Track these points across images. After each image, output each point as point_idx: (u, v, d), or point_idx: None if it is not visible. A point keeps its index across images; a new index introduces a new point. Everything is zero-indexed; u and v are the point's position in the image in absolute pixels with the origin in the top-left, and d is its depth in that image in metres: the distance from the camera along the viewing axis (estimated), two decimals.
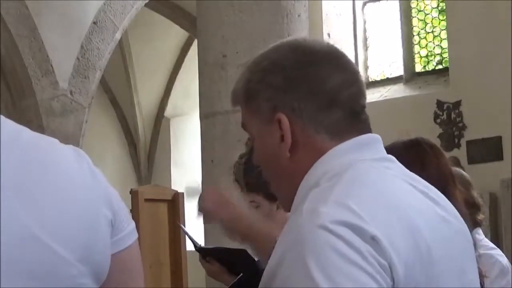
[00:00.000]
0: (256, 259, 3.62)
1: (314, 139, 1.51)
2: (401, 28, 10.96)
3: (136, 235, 1.32)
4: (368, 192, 1.42)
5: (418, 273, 1.38)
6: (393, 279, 1.34)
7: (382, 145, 1.56)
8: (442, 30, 10.64)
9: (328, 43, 1.61)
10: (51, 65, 9.18)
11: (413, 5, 11.00)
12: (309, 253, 1.32)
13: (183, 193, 9.64)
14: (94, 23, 9.52)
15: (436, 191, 1.56)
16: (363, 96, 1.57)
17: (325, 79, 1.52)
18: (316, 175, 1.50)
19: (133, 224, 1.32)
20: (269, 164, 1.59)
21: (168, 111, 14.40)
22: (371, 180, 1.45)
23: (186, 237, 4.28)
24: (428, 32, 10.88)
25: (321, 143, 1.51)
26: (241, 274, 3.46)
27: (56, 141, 1.27)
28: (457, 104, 9.62)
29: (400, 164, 1.56)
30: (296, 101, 1.52)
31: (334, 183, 1.44)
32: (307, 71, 1.53)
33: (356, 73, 1.57)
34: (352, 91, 1.54)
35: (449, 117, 9.64)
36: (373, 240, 1.33)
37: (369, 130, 1.56)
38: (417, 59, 10.81)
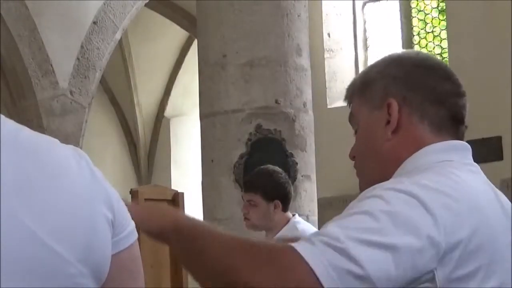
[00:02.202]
0: None
1: (416, 127, 1.67)
2: (401, 28, 10.96)
3: (136, 235, 1.31)
4: (444, 180, 1.55)
5: (481, 256, 1.49)
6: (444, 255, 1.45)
7: (471, 155, 1.72)
8: (442, 30, 10.65)
9: (443, 62, 1.81)
10: (51, 65, 9.18)
11: (413, 5, 11.01)
12: (376, 194, 1.49)
13: (183, 193, 9.64)
14: (94, 23, 9.51)
15: (509, 205, 1.67)
16: (465, 111, 1.75)
17: (438, 82, 1.70)
18: (408, 167, 1.64)
19: (133, 224, 1.32)
20: (368, 148, 1.72)
21: (168, 111, 14.40)
22: (450, 172, 1.59)
23: None
24: (428, 32, 10.89)
25: (422, 133, 1.67)
26: None
27: (55, 140, 1.26)
28: None
29: (483, 174, 1.70)
30: (408, 91, 1.69)
31: (419, 174, 1.58)
32: (425, 72, 1.71)
33: (464, 92, 1.75)
34: (458, 102, 1.73)
35: None
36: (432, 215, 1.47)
37: (462, 138, 1.73)
38: None
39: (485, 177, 1.68)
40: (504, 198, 1.67)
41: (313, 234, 1.45)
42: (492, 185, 1.68)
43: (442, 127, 1.68)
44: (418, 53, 1.82)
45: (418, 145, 1.66)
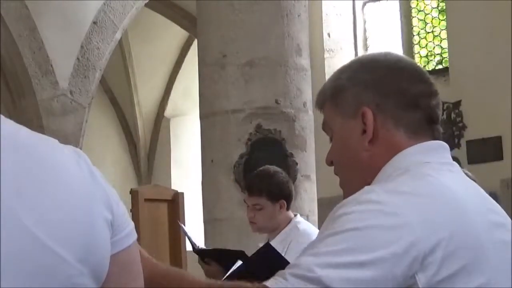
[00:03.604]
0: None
1: (392, 133, 1.65)
2: (401, 28, 10.96)
3: (135, 236, 1.31)
4: (419, 183, 1.55)
5: (464, 254, 1.48)
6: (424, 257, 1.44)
7: (449, 154, 1.69)
8: (442, 30, 10.65)
9: (413, 61, 1.80)
10: (51, 65, 9.18)
11: (413, 5, 11.01)
12: (346, 211, 1.47)
13: (183, 193, 9.64)
14: (94, 23, 9.51)
15: (492, 199, 1.67)
16: (439, 109, 1.71)
17: (410, 85, 1.67)
18: (387, 172, 1.63)
19: (132, 224, 1.31)
20: (346, 158, 1.70)
21: (168, 111, 14.40)
22: (427, 174, 1.58)
23: (186, 237, 4.28)
24: (428, 32, 10.89)
25: (399, 139, 1.65)
26: (239, 262, 3.44)
27: (55, 140, 1.26)
28: (457, 104, 9.62)
29: (461, 170, 1.68)
30: (381, 98, 1.66)
31: (396, 178, 1.58)
32: (396, 75, 1.68)
33: (436, 90, 1.71)
34: (432, 102, 1.68)
35: (449, 117, 9.64)
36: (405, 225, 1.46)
37: (439, 137, 1.70)
38: (417, 59, 10.80)
39: (465, 176, 1.67)
40: (488, 197, 1.65)
41: (288, 267, 1.45)
42: (473, 183, 1.66)
43: (418, 130, 1.66)
44: (386, 54, 1.75)
45: (395, 151, 1.64)
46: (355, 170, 1.68)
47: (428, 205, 1.49)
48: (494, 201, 1.66)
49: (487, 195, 1.66)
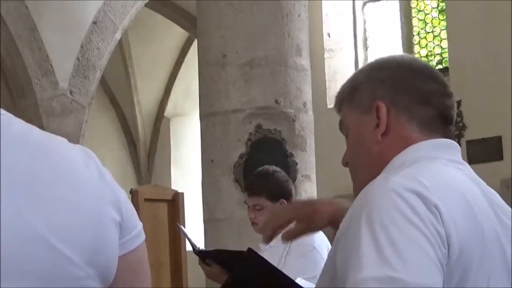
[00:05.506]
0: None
1: (405, 127, 1.68)
2: (401, 28, 10.97)
3: (143, 237, 1.31)
4: (435, 174, 1.56)
5: (473, 249, 1.50)
6: (448, 249, 1.45)
7: (460, 153, 1.71)
8: (442, 30, 10.65)
9: (428, 64, 1.87)
10: (51, 65, 9.17)
11: (413, 5, 11.02)
12: (375, 212, 1.45)
13: (183, 193, 9.65)
14: (94, 23, 9.51)
15: (501, 201, 1.68)
16: (453, 110, 1.74)
17: (424, 83, 1.72)
18: (396, 164, 1.65)
19: (140, 225, 1.31)
20: (360, 153, 1.73)
21: (168, 111, 14.40)
22: (439, 169, 1.60)
23: (186, 238, 4.27)
24: (428, 32, 10.90)
25: (410, 133, 1.68)
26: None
27: (64, 140, 1.26)
28: (457, 104, 9.61)
29: (472, 170, 1.70)
30: (395, 93, 1.70)
31: (406, 167, 1.59)
32: (410, 73, 1.73)
33: (450, 92, 1.75)
34: (446, 101, 1.73)
35: None
36: (435, 209, 1.46)
37: (452, 138, 1.72)
38: None
39: (472, 173, 1.68)
40: (496, 198, 1.66)
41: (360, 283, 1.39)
42: (478, 179, 1.67)
43: (431, 126, 1.69)
44: (403, 56, 1.83)
45: (407, 144, 1.67)
46: (367, 165, 1.71)
47: (440, 195, 1.49)
48: (503, 203, 1.66)
49: (496, 196, 1.66)
